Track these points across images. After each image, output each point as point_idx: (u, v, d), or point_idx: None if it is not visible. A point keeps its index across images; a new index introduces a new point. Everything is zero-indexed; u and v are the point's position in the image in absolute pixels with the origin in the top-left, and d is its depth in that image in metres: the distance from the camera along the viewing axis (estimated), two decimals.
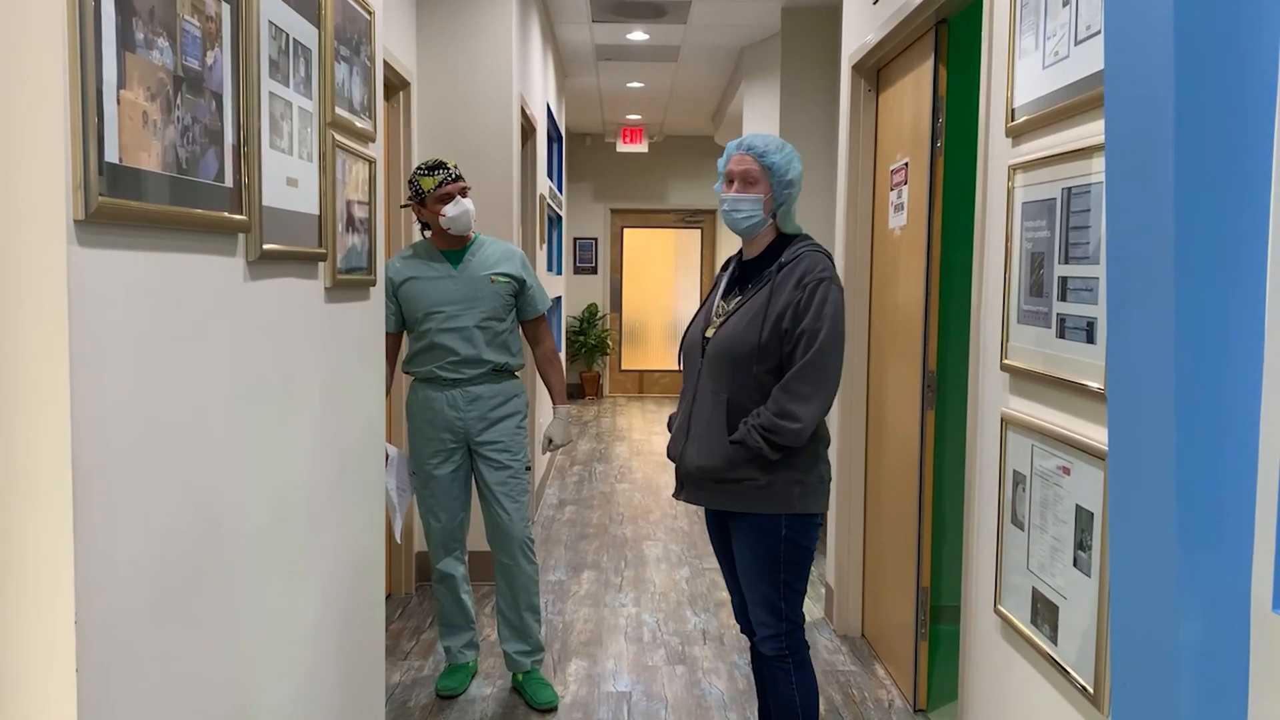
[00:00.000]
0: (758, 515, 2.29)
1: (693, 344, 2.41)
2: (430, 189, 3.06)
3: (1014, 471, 2.15)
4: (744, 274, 2.41)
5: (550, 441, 3.31)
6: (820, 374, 2.20)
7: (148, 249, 1.39)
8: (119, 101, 1.27)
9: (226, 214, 1.60)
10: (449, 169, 3.09)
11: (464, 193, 3.11)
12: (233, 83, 1.63)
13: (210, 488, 1.60)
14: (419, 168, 3.11)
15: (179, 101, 1.44)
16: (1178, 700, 1.30)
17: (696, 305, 11.70)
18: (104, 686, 1.31)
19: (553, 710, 3.16)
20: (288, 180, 1.90)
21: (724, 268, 2.51)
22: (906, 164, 3.29)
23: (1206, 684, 1.27)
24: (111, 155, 1.25)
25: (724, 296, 2.42)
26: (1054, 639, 1.94)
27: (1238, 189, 1.17)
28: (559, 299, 8.28)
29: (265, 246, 1.76)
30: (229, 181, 1.62)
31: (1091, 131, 1.82)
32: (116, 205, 1.25)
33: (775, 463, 2.25)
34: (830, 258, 2.31)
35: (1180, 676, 1.29)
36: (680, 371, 2.50)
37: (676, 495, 2.46)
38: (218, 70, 1.58)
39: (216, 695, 1.64)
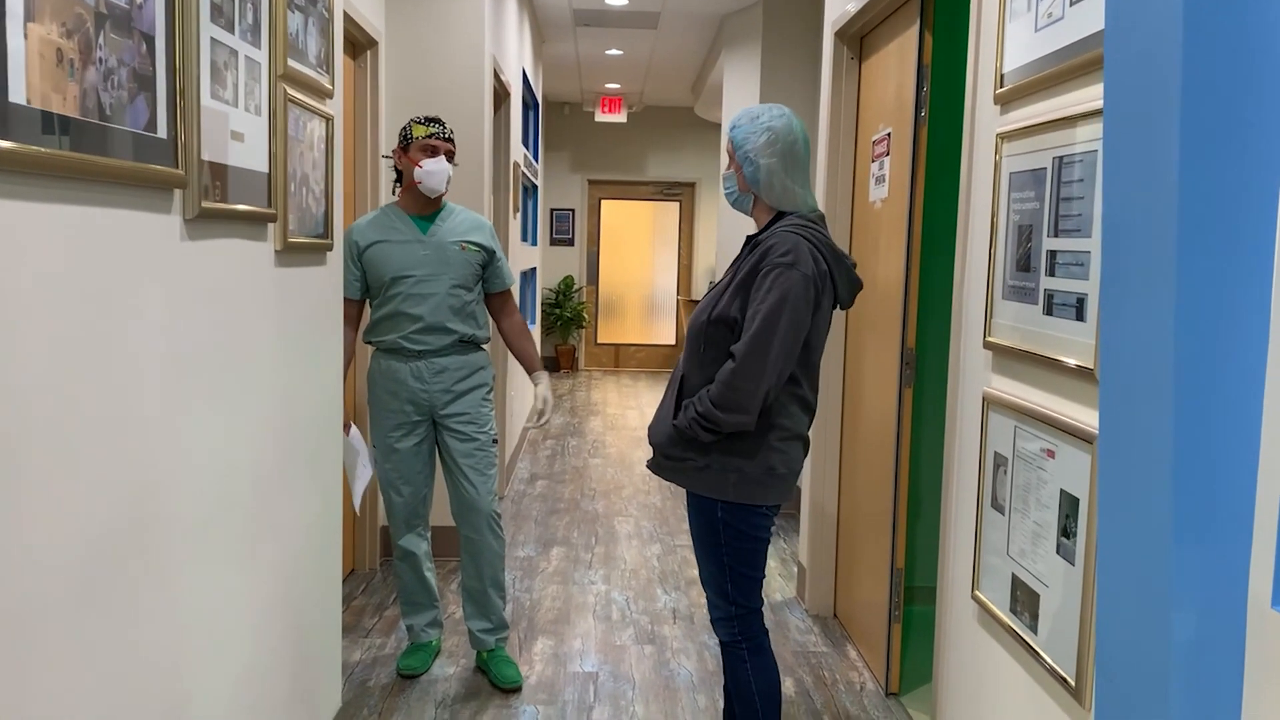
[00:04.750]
0: (697, 495, 2.21)
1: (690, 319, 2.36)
2: (420, 136, 2.99)
3: (995, 453, 2.07)
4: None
5: (542, 415, 3.16)
6: (753, 367, 2.03)
7: (66, 202, 1.27)
8: (26, 36, 1.14)
9: (159, 167, 1.48)
10: (445, 127, 3.05)
11: (450, 156, 3.03)
12: (166, 24, 1.50)
13: (142, 464, 1.49)
14: (415, 117, 3.08)
15: (101, 41, 1.31)
16: (1167, 699, 1.23)
17: (674, 278, 11.59)
18: (18, 679, 1.20)
19: (516, 690, 3.08)
20: (232, 134, 1.78)
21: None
22: (889, 134, 3.19)
23: (1199, 683, 1.20)
24: (17, 95, 1.13)
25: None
26: (1034, 628, 1.87)
27: (1247, 156, 1.09)
28: (534, 270, 8.15)
29: (205, 204, 1.65)
30: (162, 132, 1.49)
31: (1086, 97, 1.73)
32: (22, 152, 1.13)
33: (713, 448, 2.14)
34: (813, 241, 2.11)
35: (1171, 674, 1.22)
36: (669, 347, 2.41)
37: (649, 465, 2.39)
38: (149, 9, 1.45)
39: (150, 684, 1.54)
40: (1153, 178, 1.18)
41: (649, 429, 2.28)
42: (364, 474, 3.10)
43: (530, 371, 3.23)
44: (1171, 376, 1.17)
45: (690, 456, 2.17)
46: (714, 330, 2.14)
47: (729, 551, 2.21)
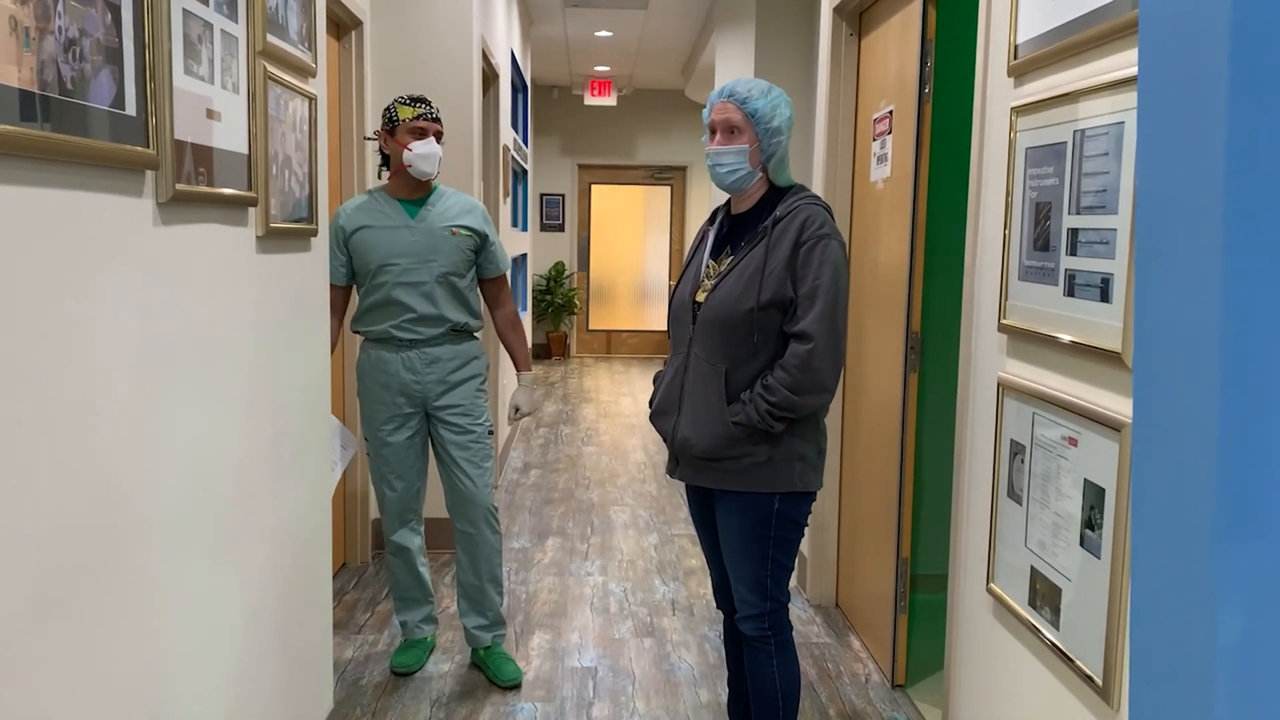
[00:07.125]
0: (748, 493, 2.11)
1: (682, 307, 2.21)
2: (406, 118, 2.88)
3: (1011, 441, 1.99)
4: (734, 230, 2.20)
5: (517, 410, 3.14)
6: (830, 343, 2.02)
7: (24, 183, 1.17)
8: None
9: (127, 146, 1.38)
10: (431, 107, 2.94)
11: (439, 137, 2.93)
12: None
13: (112, 464, 1.39)
14: (399, 98, 2.95)
15: (61, 9, 1.21)
16: (1213, 707, 1.15)
17: (665, 264, 11.48)
18: None
19: (516, 687, 3.00)
20: (208, 113, 1.68)
21: (709, 221, 2.30)
22: (891, 112, 3.10)
23: (1246, 689, 1.12)
24: None
25: (713, 255, 2.21)
26: (1056, 624, 1.79)
27: None
28: (524, 256, 8.05)
29: (179, 186, 1.55)
30: (130, 109, 1.40)
31: (1111, 66, 1.64)
32: None
33: (778, 437, 2.08)
34: (829, 211, 2.12)
35: (1216, 680, 1.13)
36: (661, 333, 2.28)
37: (671, 474, 2.27)
38: None
39: (126, 694, 1.45)
40: (1196, 141, 1.08)
41: (685, 439, 2.13)
42: (343, 455, 2.97)
43: (518, 371, 3.17)
44: (1218, 357, 1.08)
45: (751, 452, 2.08)
46: (765, 316, 2.05)
47: (776, 543, 2.15)
